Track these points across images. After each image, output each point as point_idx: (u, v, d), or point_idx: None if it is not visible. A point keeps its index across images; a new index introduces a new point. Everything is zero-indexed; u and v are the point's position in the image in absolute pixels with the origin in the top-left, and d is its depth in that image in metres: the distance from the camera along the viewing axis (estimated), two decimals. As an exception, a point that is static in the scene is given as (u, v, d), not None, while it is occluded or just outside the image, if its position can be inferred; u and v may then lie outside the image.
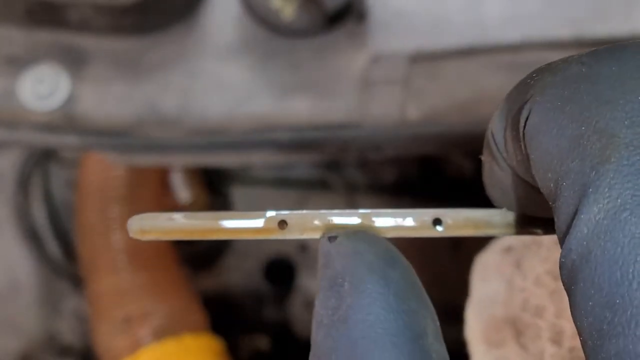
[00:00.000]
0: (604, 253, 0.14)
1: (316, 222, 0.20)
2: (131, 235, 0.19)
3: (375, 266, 0.17)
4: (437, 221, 0.20)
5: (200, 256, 0.77)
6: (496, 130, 0.19)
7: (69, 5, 0.48)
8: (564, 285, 0.15)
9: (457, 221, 0.20)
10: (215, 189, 0.76)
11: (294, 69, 0.48)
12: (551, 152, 0.15)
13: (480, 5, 0.49)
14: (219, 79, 0.49)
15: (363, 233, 0.19)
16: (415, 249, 0.77)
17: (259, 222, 0.20)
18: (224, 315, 0.82)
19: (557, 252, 0.28)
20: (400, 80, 0.46)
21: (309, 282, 0.77)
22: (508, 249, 0.32)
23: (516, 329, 0.29)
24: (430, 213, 0.20)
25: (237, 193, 0.80)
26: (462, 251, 0.73)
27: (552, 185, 0.15)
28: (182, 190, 0.68)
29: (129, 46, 0.50)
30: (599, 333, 0.13)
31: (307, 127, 0.47)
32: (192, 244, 0.74)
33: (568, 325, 0.27)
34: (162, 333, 0.57)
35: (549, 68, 0.17)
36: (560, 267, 0.15)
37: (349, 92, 0.47)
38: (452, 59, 0.46)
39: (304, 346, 0.80)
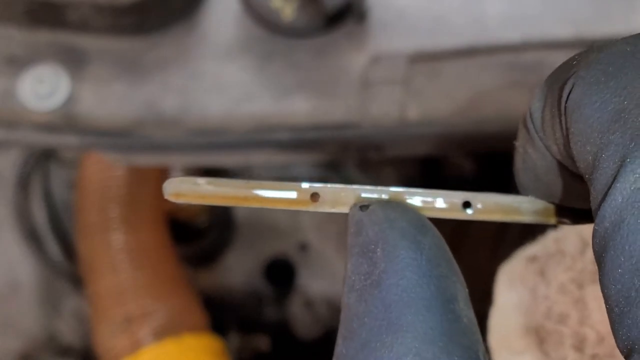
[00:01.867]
0: (636, 221, 0.14)
1: (348, 196, 0.20)
2: (166, 197, 0.19)
3: (408, 233, 0.17)
4: (466, 204, 0.20)
5: (200, 256, 0.77)
6: (534, 109, 0.19)
7: (69, 5, 0.48)
8: (594, 254, 0.15)
9: (486, 205, 0.20)
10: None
11: (293, 69, 0.48)
12: (592, 125, 0.16)
13: (480, 5, 0.49)
14: (219, 79, 0.49)
15: (395, 203, 0.19)
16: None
17: (292, 194, 0.20)
18: (224, 315, 0.82)
19: (580, 261, 0.29)
20: (400, 81, 0.46)
21: (309, 282, 0.77)
22: (533, 259, 0.32)
23: (539, 336, 0.30)
24: (460, 195, 0.20)
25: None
26: (464, 256, 0.73)
27: (590, 158, 0.16)
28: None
29: (129, 46, 0.50)
30: (626, 300, 0.14)
31: (307, 127, 0.47)
32: (192, 243, 0.74)
33: (591, 333, 0.27)
34: (162, 333, 0.57)
35: (592, 48, 0.17)
36: (593, 236, 0.15)
37: (348, 92, 0.47)
38: (452, 59, 0.46)
39: (304, 346, 0.80)
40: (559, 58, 0.45)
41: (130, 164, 0.59)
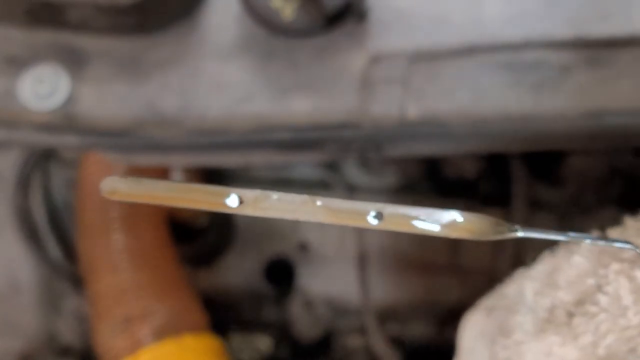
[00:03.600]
0: None
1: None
2: (102, 194, 0.20)
3: None
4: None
5: (200, 256, 0.77)
6: None
7: (69, 5, 0.48)
8: None
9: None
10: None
11: (293, 69, 0.48)
12: None
13: (480, 5, 0.49)
14: (219, 79, 0.49)
15: None
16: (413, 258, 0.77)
17: (217, 199, 0.21)
18: (224, 315, 0.83)
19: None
20: (400, 80, 0.46)
21: (309, 282, 0.78)
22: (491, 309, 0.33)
23: None
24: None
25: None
26: (460, 258, 0.74)
27: None
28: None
29: (129, 46, 0.50)
30: None
31: (307, 127, 0.47)
32: (192, 243, 0.74)
33: None
34: (162, 333, 0.57)
35: None
36: None
37: (348, 92, 0.47)
38: (451, 58, 0.47)
39: (304, 346, 0.80)
40: (558, 58, 0.46)
41: (130, 164, 0.59)
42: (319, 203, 0.21)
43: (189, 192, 0.22)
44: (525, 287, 0.32)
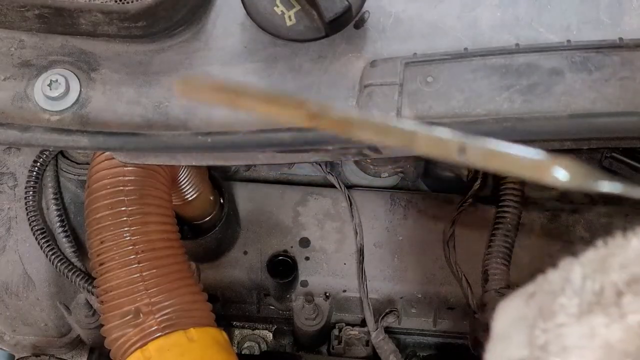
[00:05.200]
0: None
1: None
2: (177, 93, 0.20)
3: None
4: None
5: (205, 252, 0.79)
6: None
7: (80, 12, 0.50)
8: None
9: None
10: (218, 187, 0.78)
11: (295, 73, 0.50)
12: None
13: (474, 11, 0.50)
14: (224, 83, 0.50)
15: None
16: (412, 243, 0.78)
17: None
18: (228, 309, 0.84)
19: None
20: (397, 84, 0.47)
21: (311, 277, 0.79)
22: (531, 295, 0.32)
23: None
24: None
25: (240, 191, 0.82)
26: (457, 245, 0.75)
27: None
28: (189, 187, 0.70)
29: (138, 51, 0.52)
30: None
31: (307, 128, 0.48)
32: (198, 239, 0.75)
33: None
34: (170, 326, 0.58)
35: None
36: None
37: (347, 95, 0.48)
38: (446, 62, 0.48)
39: (305, 338, 0.82)
40: (549, 62, 0.47)
41: (138, 164, 0.61)
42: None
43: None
44: (572, 272, 0.30)
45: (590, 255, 0.30)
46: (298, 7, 0.48)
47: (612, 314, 0.27)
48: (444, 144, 0.25)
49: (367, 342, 0.79)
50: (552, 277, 0.31)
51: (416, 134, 0.26)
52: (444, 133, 0.26)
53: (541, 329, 0.29)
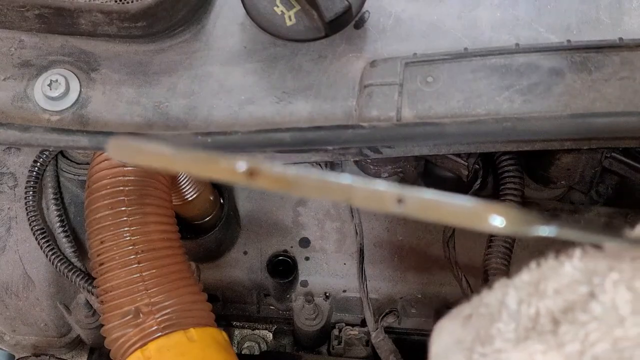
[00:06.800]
0: None
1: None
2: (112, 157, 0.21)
3: None
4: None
5: (205, 251, 0.79)
6: None
7: (80, 12, 0.50)
8: None
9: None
10: (218, 187, 0.78)
11: (295, 73, 0.50)
12: None
13: (474, 11, 0.50)
14: (224, 83, 0.50)
15: None
16: (409, 246, 0.78)
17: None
18: (228, 309, 0.84)
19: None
20: (397, 83, 0.47)
21: (311, 277, 0.79)
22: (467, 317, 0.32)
23: None
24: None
25: (240, 191, 0.82)
26: (457, 245, 0.75)
27: None
28: (189, 187, 0.70)
29: (138, 51, 0.52)
30: None
31: (307, 128, 0.48)
32: (198, 239, 0.75)
33: None
34: (170, 326, 0.58)
35: None
36: None
37: (347, 95, 0.49)
38: (446, 62, 0.48)
39: (306, 339, 0.81)
40: (549, 62, 0.47)
41: (138, 164, 0.60)
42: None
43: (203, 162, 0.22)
44: (508, 295, 0.30)
45: (525, 278, 0.31)
46: (298, 7, 0.48)
47: (549, 342, 0.28)
48: (381, 196, 0.26)
49: (367, 342, 0.79)
50: (488, 300, 0.31)
51: (354, 188, 0.27)
52: (381, 186, 0.27)
53: (479, 353, 0.30)
